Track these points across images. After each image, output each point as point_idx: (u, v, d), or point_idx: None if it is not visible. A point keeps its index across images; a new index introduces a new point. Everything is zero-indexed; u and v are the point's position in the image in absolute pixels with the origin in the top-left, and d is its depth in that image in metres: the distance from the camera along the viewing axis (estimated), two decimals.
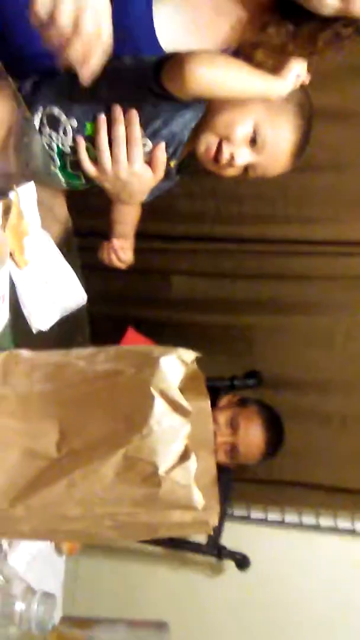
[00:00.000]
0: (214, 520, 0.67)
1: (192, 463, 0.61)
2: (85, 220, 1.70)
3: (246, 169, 1.09)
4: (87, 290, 1.14)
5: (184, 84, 0.97)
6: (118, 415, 0.63)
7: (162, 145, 1.07)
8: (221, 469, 1.61)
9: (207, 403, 0.78)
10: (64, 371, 0.68)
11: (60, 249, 1.04)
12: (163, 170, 1.09)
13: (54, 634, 1.13)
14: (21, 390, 0.68)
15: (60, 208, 1.14)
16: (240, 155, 1.06)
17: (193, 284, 1.79)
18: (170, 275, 1.80)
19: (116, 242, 1.23)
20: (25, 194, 0.95)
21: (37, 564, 1.00)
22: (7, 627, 0.60)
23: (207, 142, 1.08)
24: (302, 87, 1.06)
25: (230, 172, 1.09)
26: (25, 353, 0.73)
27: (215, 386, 1.72)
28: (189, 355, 0.68)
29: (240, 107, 1.05)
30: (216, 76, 0.97)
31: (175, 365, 0.65)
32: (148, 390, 0.62)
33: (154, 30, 1.05)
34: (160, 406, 0.62)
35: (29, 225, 0.97)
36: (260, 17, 1.07)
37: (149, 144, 1.08)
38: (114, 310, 1.78)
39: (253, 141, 1.05)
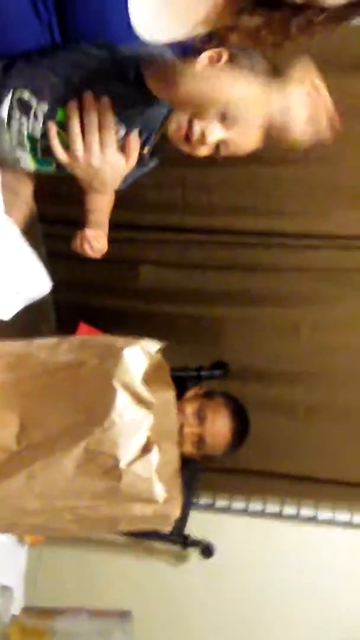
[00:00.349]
0: (176, 513, 0.67)
1: (154, 456, 0.61)
2: (51, 207, 1.68)
3: (218, 146, 1.06)
4: (53, 279, 1.12)
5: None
6: (80, 408, 0.62)
7: (136, 132, 1.06)
8: (187, 459, 1.63)
9: (172, 394, 0.77)
10: (26, 362, 0.67)
11: (24, 236, 1.02)
12: (136, 157, 1.08)
13: (15, 625, 1.13)
14: None
15: (26, 193, 1.11)
16: (211, 132, 1.03)
17: (161, 274, 1.78)
18: (139, 265, 1.78)
19: (89, 232, 1.21)
20: None
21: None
22: None
23: (178, 121, 1.05)
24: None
25: (203, 150, 1.06)
26: None
27: (181, 376, 1.72)
28: (153, 346, 0.67)
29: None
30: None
31: (139, 356, 0.65)
32: (110, 382, 0.62)
33: (129, 16, 1.03)
34: (122, 399, 0.61)
35: None
36: (235, 3, 1.06)
37: (122, 131, 1.07)
38: (81, 299, 1.76)
39: (223, 117, 1.02)
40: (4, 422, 0.63)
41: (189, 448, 1.57)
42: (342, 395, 1.73)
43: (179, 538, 1.66)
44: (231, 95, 0.95)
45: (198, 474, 1.72)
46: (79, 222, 1.69)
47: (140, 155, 1.10)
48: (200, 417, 1.57)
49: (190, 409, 1.59)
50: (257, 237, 1.72)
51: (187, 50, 1.11)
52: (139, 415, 0.61)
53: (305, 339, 1.73)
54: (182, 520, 1.67)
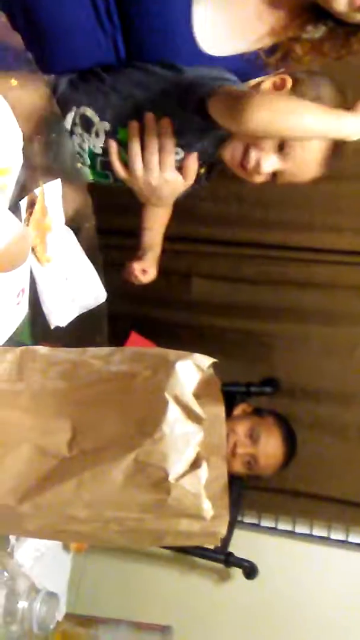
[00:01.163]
0: (223, 531, 0.66)
1: (203, 471, 0.60)
2: (109, 218, 1.71)
3: (274, 175, 1.06)
4: (107, 289, 1.14)
5: (241, 124, 0.92)
6: (130, 418, 0.62)
7: (195, 155, 1.06)
8: (233, 476, 1.61)
9: (222, 409, 0.76)
10: (79, 370, 0.68)
11: (82, 246, 1.04)
12: (194, 178, 1.09)
13: (58, 631, 1.14)
14: (36, 387, 0.68)
15: (85, 205, 1.14)
16: (267, 162, 1.03)
17: (213, 287, 1.78)
18: (191, 277, 1.79)
19: (137, 265, 1.24)
20: (51, 190, 0.95)
21: (44, 560, 1.00)
22: (9, 625, 0.59)
23: (233, 148, 1.06)
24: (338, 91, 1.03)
25: (258, 178, 1.07)
26: (41, 350, 0.73)
27: (230, 391, 1.71)
28: (205, 361, 0.67)
29: None
30: (279, 117, 0.90)
31: (190, 370, 0.65)
32: (162, 395, 0.61)
33: (192, 29, 1.04)
34: (173, 412, 0.61)
35: (53, 221, 0.97)
36: (299, 16, 1.06)
37: (181, 152, 1.08)
38: (134, 310, 1.77)
39: (281, 147, 1.02)
40: (57, 428, 0.64)
41: (239, 467, 1.57)
42: None
43: (223, 556, 1.64)
44: (294, 129, 0.92)
45: (243, 491, 1.69)
46: (136, 234, 1.72)
47: (197, 175, 1.11)
48: (254, 437, 1.56)
49: (242, 428, 1.58)
50: (312, 253, 1.70)
51: (252, 63, 1.11)
52: (189, 430, 0.61)
53: (359, 358, 1.69)
54: (227, 539, 1.65)
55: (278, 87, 1.03)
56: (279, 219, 1.70)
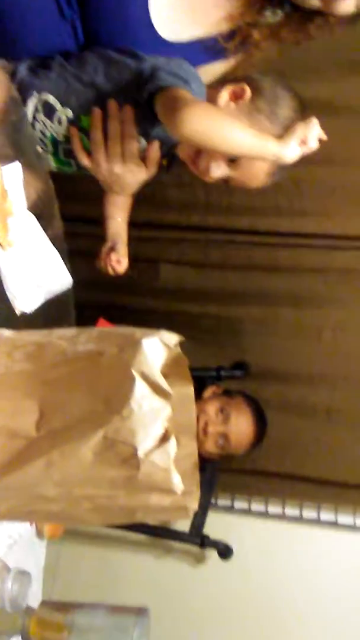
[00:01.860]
0: (194, 506, 0.67)
1: (172, 446, 0.61)
2: (73, 205, 1.69)
3: (226, 179, 1.08)
4: (74, 277, 1.13)
5: (175, 130, 0.96)
6: (98, 396, 0.62)
7: (157, 144, 1.07)
8: (206, 460, 1.63)
9: (191, 388, 0.77)
10: (45, 351, 0.68)
11: (46, 232, 1.03)
12: (156, 167, 1.09)
13: (34, 618, 1.13)
14: (1, 369, 0.67)
15: (47, 191, 1.13)
16: (215, 169, 1.05)
17: (182, 273, 1.78)
18: (159, 263, 1.79)
19: (113, 257, 1.24)
20: (10, 173, 0.94)
21: (17, 547, 0.99)
22: None
23: (187, 146, 1.07)
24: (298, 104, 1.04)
25: (209, 180, 1.08)
26: (6, 332, 0.72)
27: (201, 376, 1.72)
28: (172, 338, 0.67)
29: None
30: (209, 132, 0.94)
31: (157, 347, 0.65)
32: (129, 371, 0.62)
33: (150, 17, 1.04)
34: (141, 388, 0.61)
35: (14, 205, 0.96)
36: (256, 1, 1.07)
37: (143, 142, 1.08)
38: (101, 297, 1.77)
39: (232, 158, 1.04)
40: (23, 409, 0.64)
41: (211, 447, 1.57)
42: None
43: (197, 538, 1.66)
44: (222, 146, 0.96)
45: (217, 474, 1.71)
46: (99, 220, 1.71)
47: (160, 165, 1.11)
48: (224, 416, 1.57)
49: (212, 408, 1.59)
50: (279, 238, 1.72)
51: (210, 49, 1.11)
52: (157, 405, 0.61)
53: (326, 341, 1.72)
54: (201, 520, 1.67)
55: (237, 96, 1.04)
56: (245, 204, 1.71)
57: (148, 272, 1.80)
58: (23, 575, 0.62)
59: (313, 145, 0.98)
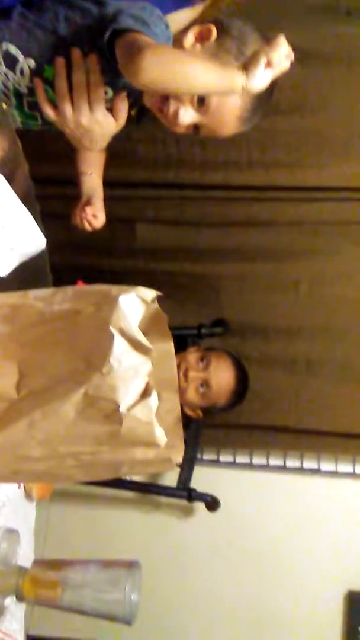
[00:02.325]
0: (178, 458, 0.68)
1: (154, 400, 0.61)
2: (44, 167, 1.65)
3: (196, 127, 1.04)
4: (48, 240, 1.11)
5: (133, 78, 0.91)
6: (78, 355, 0.62)
7: (124, 95, 1.03)
8: (190, 418, 1.64)
9: (171, 345, 0.77)
10: (22, 312, 0.67)
11: (16, 193, 1.00)
12: (125, 118, 1.06)
13: (27, 577, 1.16)
14: None
15: (14, 150, 1.10)
16: (183, 114, 1.01)
17: (158, 232, 1.76)
18: (135, 223, 1.76)
19: (88, 211, 1.21)
20: None
21: (7, 509, 1.00)
22: None
23: (152, 97, 1.03)
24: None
25: (178, 128, 1.04)
26: None
27: (182, 335, 1.72)
28: (149, 293, 0.67)
29: None
30: (169, 74, 0.90)
31: (134, 303, 0.65)
32: (107, 328, 0.61)
33: None
34: (120, 344, 0.61)
35: None
36: None
37: (110, 92, 1.04)
38: (78, 260, 1.75)
39: (200, 101, 1.00)
40: (2, 371, 0.63)
41: (193, 395, 1.59)
42: (342, 348, 1.74)
43: (185, 492, 1.69)
44: (199, 84, 0.92)
45: (201, 430, 1.74)
46: (73, 182, 1.66)
47: (128, 116, 1.08)
48: (204, 363, 1.60)
49: (193, 356, 1.61)
50: (254, 192, 1.70)
51: None
52: (137, 361, 0.61)
53: (304, 293, 1.73)
54: (188, 474, 1.70)
55: (203, 37, 1.00)
56: (219, 159, 1.68)
57: (124, 233, 1.77)
58: (11, 533, 0.63)
59: (283, 64, 0.91)
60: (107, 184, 1.68)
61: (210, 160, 1.69)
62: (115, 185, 1.72)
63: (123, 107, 1.04)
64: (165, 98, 1.01)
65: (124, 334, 0.61)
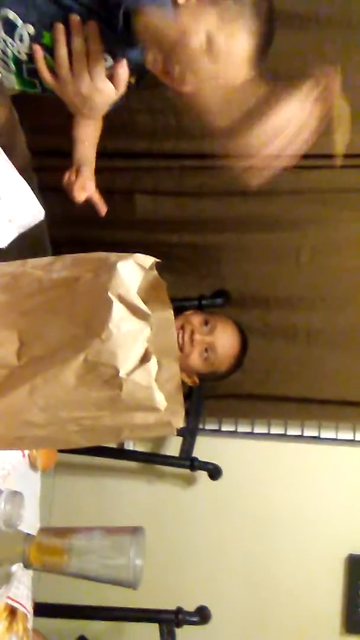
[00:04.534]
0: (178, 423, 0.68)
1: (153, 365, 0.62)
2: (42, 138, 1.63)
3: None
4: (47, 213, 1.11)
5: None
6: (77, 321, 0.62)
7: (124, 62, 1.02)
8: (192, 388, 1.65)
9: (170, 312, 0.77)
10: (20, 281, 0.67)
11: (13, 164, 1.00)
12: (125, 86, 1.04)
13: (34, 544, 1.18)
14: None
15: (10, 119, 1.08)
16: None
17: (157, 203, 1.74)
18: (134, 194, 1.75)
19: (79, 181, 1.19)
20: None
21: (12, 479, 1.02)
22: None
23: (155, 56, 1.01)
24: None
25: (186, 88, 1.02)
26: None
27: (183, 307, 1.72)
28: (147, 260, 0.67)
29: (191, 15, 0.97)
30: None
31: (132, 269, 0.65)
32: (106, 295, 0.62)
33: None
34: (118, 310, 0.61)
35: None
36: None
37: (110, 60, 1.03)
38: (77, 232, 1.74)
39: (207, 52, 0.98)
40: (3, 340, 0.64)
41: (196, 359, 1.56)
42: (343, 317, 1.74)
43: (187, 461, 1.71)
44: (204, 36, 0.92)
45: (203, 399, 1.75)
46: (69, 154, 1.63)
47: (128, 84, 1.06)
48: (210, 326, 1.57)
49: (197, 318, 1.58)
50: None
51: None
52: (136, 327, 0.62)
53: (304, 262, 1.72)
54: (190, 444, 1.72)
55: None
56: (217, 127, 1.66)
57: (123, 204, 1.76)
58: (15, 495, 0.64)
59: None
60: (105, 155, 1.66)
61: (209, 129, 1.66)
62: (113, 156, 1.70)
63: (123, 75, 1.02)
64: (169, 60, 0.99)
65: (122, 300, 0.62)
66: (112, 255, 0.66)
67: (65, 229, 1.73)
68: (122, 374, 0.60)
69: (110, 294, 0.61)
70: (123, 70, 1.02)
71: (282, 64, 1.58)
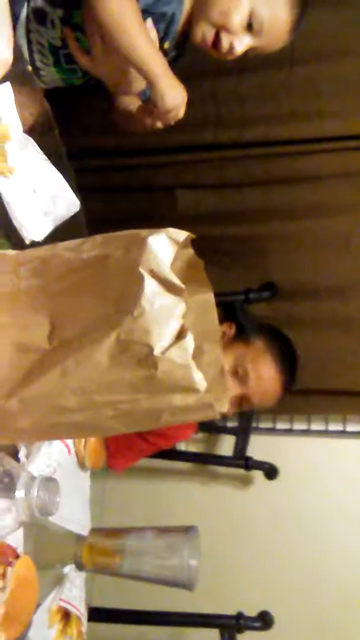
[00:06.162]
0: (222, 407, 0.64)
1: (189, 342, 0.58)
2: (77, 140, 1.63)
3: (246, 51, 1.06)
4: (88, 214, 1.10)
5: (93, 10, 0.95)
6: (108, 300, 0.59)
7: (150, 21, 1.01)
8: None
9: (210, 294, 0.73)
10: (51, 264, 0.65)
11: (47, 155, 0.98)
12: (157, 45, 1.03)
13: (86, 545, 1.16)
14: (8, 288, 0.65)
15: (42, 111, 1.08)
16: (239, 44, 1.04)
17: (199, 197, 1.71)
18: (174, 190, 1.72)
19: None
20: (1, 95, 0.89)
21: (57, 476, 0.99)
22: (3, 515, 0.59)
23: (203, 32, 1.05)
24: None
25: (231, 57, 1.07)
26: (9, 252, 0.69)
27: (229, 301, 1.67)
28: (180, 234, 0.63)
29: None
30: (116, 34, 0.94)
31: (164, 244, 0.61)
32: (137, 270, 0.58)
33: None
34: (151, 286, 0.58)
35: (9, 128, 0.91)
36: None
37: None
38: (118, 230, 1.72)
39: (250, 26, 1.02)
40: (34, 323, 0.61)
41: (232, 410, 1.33)
42: None
43: (242, 461, 1.66)
44: (133, 58, 0.95)
45: None
46: (111, 153, 1.61)
47: (163, 51, 1.06)
48: (240, 375, 1.28)
49: (225, 366, 1.20)
50: (297, 146, 1.62)
51: None
52: (170, 302, 0.58)
53: (355, 248, 1.64)
54: (243, 443, 1.66)
55: None
56: (258, 114, 1.61)
57: (164, 200, 1.73)
58: (51, 482, 0.61)
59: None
60: (143, 151, 1.64)
61: (248, 116, 1.62)
62: (151, 152, 1.68)
63: (152, 35, 1.02)
64: (217, 34, 1.03)
65: (154, 275, 0.58)
66: (144, 231, 0.63)
67: (105, 227, 1.72)
68: (156, 352, 0.56)
69: (141, 269, 0.58)
70: (151, 30, 1.02)
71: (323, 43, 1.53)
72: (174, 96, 0.98)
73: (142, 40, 0.94)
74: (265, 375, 1.30)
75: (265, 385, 1.30)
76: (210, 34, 1.04)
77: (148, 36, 0.97)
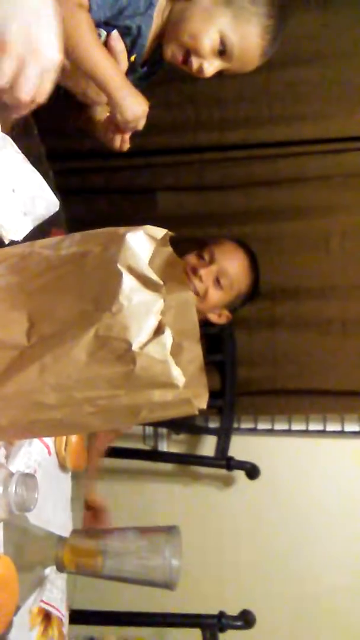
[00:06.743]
0: (201, 404, 0.65)
1: (167, 337, 0.58)
2: (58, 142, 1.63)
3: (220, 72, 1.06)
4: (69, 217, 1.10)
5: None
6: (86, 297, 0.59)
7: (116, 33, 1.01)
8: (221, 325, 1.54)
9: (190, 293, 0.74)
10: (29, 261, 0.65)
11: (25, 155, 0.98)
12: (125, 60, 1.03)
13: (67, 546, 1.16)
14: None
15: None
16: (209, 67, 1.03)
17: (180, 198, 1.72)
18: (155, 192, 1.73)
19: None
20: None
21: (38, 477, 0.99)
22: None
23: (173, 52, 1.05)
24: None
25: (203, 77, 1.06)
26: None
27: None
28: (158, 231, 0.64)
29: (205, 15, 1.00)
30: (68, 47, 0.90)
31: (143, 241, 0.61)
32: (115, 267, 0.58)
33: None
34: (128, 282, 0.58)
35: None
36: None
37: (103, 33, 1.01)
38: None
39: (221, 51, 1.02)
40: (12, 320, 0.61)
41: (214, 293, 1.44)
42: None
43: (223, 461, 1.66)
44: (87, 70, 0.94)
45: (237, 398, 1.69)
46: (88, 155, 1.60)
47: (131, 64, 1.05)
48: (209, 256, 1.43)
49: (192, 257, 1.44)
50: (276, 148, 1.64)
51: None
52: (148, 298, 0.58)
53: (335, 250, 1.66)
54: (225, 443, 1.67)
55: None
56: (238, 117, 1.63)
57: (145, 202, 1.74)
58: (28, 478, 0.61)
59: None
60: (124, 153, 1.64)
61: (228, 119, 1.64)
62: (132, 154, 1.69)
63: (119, 48, 1.02)
64: (187, 53, 1.02)
65: (132, 271, 0.58)
66: (122, 229, 0.63)
67: (86, 229, 1.72)
68: (135, 347, 0.56)
69: (119, 266, 0.58)
70: (118, 44, 1.02)
71: (301, 47, 1.55)
72: (132, 108, 0.98)
73: (96, 54, 0.94)
74: (227, 248, 1.46)
75: (231, 257, 1.45)
76: (179, 54, 1.04)
77: (103, 50, 0.96)
